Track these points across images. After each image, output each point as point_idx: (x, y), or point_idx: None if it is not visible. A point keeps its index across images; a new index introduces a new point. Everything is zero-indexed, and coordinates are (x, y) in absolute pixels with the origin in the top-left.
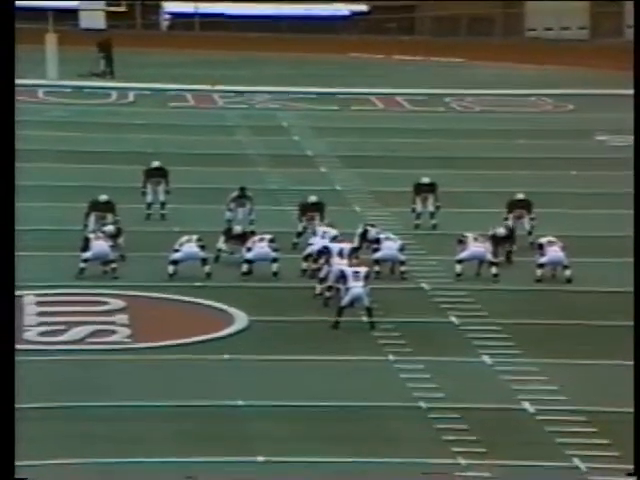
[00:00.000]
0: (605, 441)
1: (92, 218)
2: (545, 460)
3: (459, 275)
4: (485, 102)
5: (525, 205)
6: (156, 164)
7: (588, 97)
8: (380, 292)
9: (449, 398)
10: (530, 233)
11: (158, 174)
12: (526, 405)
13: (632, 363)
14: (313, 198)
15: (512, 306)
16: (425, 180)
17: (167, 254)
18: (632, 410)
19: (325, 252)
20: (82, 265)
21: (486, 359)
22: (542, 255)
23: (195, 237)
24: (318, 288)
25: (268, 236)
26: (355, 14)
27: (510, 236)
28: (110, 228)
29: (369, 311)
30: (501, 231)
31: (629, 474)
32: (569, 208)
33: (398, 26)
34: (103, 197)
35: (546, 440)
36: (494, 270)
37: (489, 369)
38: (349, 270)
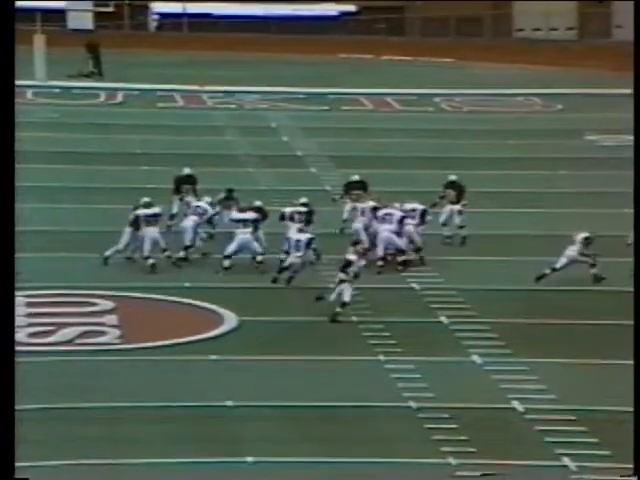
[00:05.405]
0: (594, 440)
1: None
2: (534, 459)
3: None
4: (474, 102)
5: None
6: (187, 171)
7: (577, 97)
8: (370, 292)
9: (439, 398)
10: None
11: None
12: (515, 404)
13: (621, 362)
14: (303, 200)
15: (501, 306)
16: (355, 177)
17: (157, 255)
18: (621, 409)
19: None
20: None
21: (476, 359)
22: None
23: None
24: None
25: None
26: (344, 14)
27: None
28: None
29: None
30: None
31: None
32: (558, 208)
33: (387, 26)
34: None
35: (535, 439)
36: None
37: (479, 369)
38: (293, 237)
